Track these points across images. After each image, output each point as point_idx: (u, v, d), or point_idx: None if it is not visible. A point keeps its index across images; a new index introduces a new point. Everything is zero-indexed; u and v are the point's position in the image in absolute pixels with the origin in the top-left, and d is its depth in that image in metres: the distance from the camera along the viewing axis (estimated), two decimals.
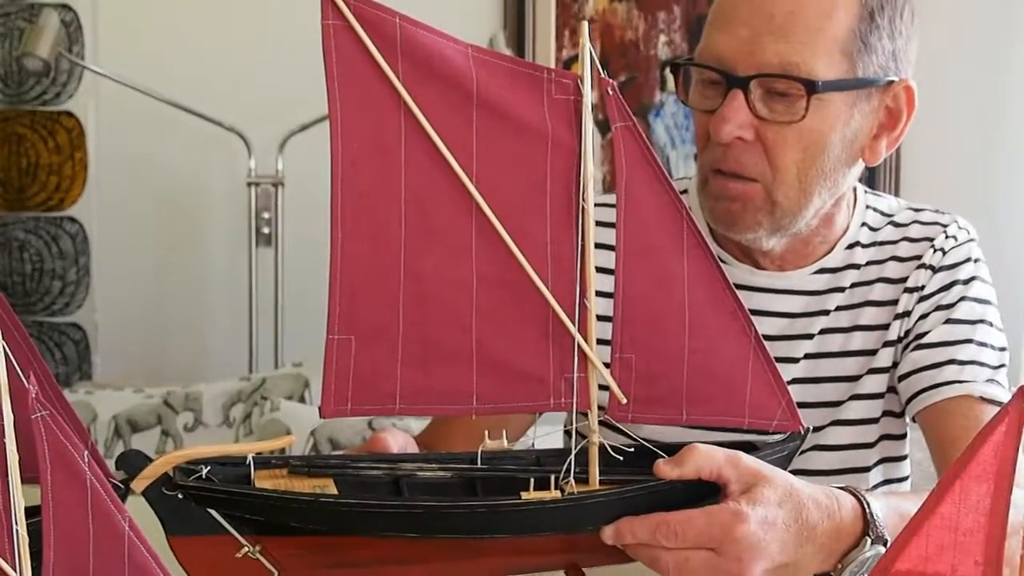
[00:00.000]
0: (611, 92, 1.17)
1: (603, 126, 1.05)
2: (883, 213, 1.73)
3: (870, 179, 3.08)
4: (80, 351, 3.65)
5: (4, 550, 0.90)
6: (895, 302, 1.67)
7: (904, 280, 1.67)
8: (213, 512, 1.14)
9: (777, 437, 1.30)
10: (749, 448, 1.27)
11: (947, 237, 1.68)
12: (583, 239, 1.17)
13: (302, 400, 3.05)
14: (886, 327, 1.67)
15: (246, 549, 1.16)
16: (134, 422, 3.04)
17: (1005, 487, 0.82)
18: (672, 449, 1.22)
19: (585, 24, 1.15)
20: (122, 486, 1.12)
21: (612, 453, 1.22)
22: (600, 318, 1.19)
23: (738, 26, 1.53)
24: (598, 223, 1.18)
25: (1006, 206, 3.19)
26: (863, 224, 1.71)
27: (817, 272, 1.69)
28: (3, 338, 0.88)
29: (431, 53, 1.12)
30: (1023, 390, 0.80)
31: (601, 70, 1.15)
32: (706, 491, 1.20)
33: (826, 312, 1.68)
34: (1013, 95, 3.21)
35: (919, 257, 1.68)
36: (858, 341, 1.67)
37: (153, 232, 3.62)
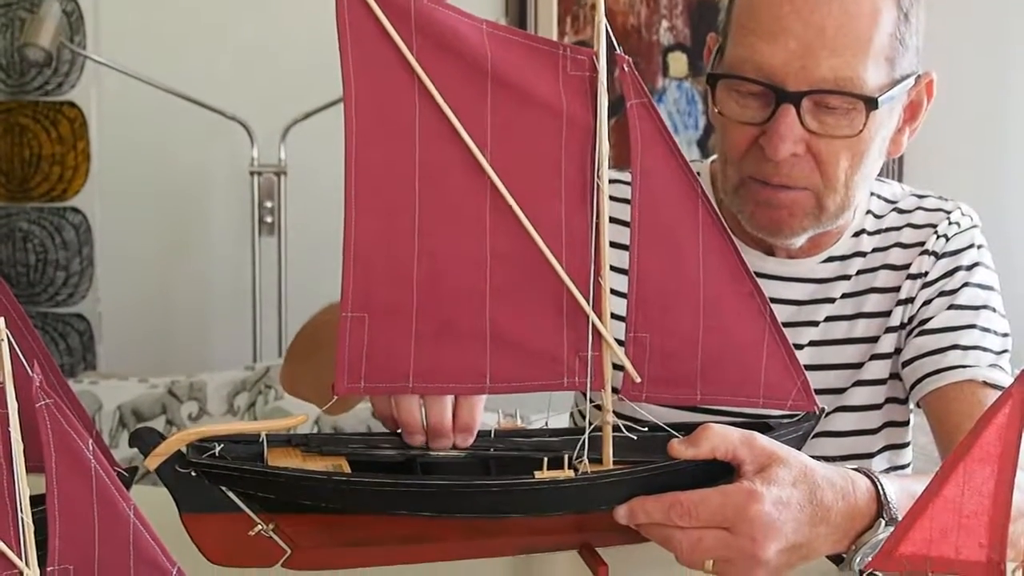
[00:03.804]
0: (627, 69, 1.16)
1: (614, 104, 1.04)
2: (887, 200, 1.73)
3: None
4: (84, 341, 3.65)
5: (10, 538, 0.90)
6: (898, 288, 1.67)
7: (907, 267, 1.67)
8: (226, 490, 1.14)
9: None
10: (764, 428, 1.26)
11: (950, 223, 1.68)
12: (597, 217, 1.16)
13: None
14: (888, 313, 1.67)
15: (259, 527, 1.16)
16: (139, 412, 3.04)
17: (1008, 469, 0.83)
18: (686, 429, 1.22)
19: (600, 1, 1.14)
20: (126, 473, 1.12)
21: (625, 432, 1.22)
22: (615, 292, 1.19)
23: (786, 38, 1.48)
24: (613, 198, 1.17)
25: (1009, 195, 3.19)
26: (868, 212, 1.71)
27: (825, 260, 1.69)
28: (7, 327, 0.88)
29: (446, 29, 1.12)
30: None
31: (616, 46, 1.14)
32: (720, 471, 1.20)
33: (831, 300, 1.68)
34: (1016, 85, 3.21)
35: (922, 243, 1.67)
36: (861, 328, 1.67)
37: (156, 221, 3.62)
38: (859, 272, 1.68)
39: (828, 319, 1.67)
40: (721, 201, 1.65)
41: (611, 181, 1.18)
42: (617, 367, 1.21)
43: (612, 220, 1.18)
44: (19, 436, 0.88)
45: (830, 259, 1.69)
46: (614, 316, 1.19)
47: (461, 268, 1.15)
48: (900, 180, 3.08)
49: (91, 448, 0.92)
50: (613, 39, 1.13)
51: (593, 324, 1.17)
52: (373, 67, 1.12)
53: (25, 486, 0.89)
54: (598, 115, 1.14)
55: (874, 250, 1.69)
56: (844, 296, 1.68)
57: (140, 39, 3.51)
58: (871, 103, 1.49)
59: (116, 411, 3.03)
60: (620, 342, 1.21)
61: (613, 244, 1.18)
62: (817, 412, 1.28)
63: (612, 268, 1.18)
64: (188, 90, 3.28)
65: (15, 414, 0.87)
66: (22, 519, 0.89)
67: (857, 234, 1.70)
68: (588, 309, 1.16)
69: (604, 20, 1.12)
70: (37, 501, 0.91)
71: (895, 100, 1.55)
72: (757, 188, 1.55)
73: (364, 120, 1.12)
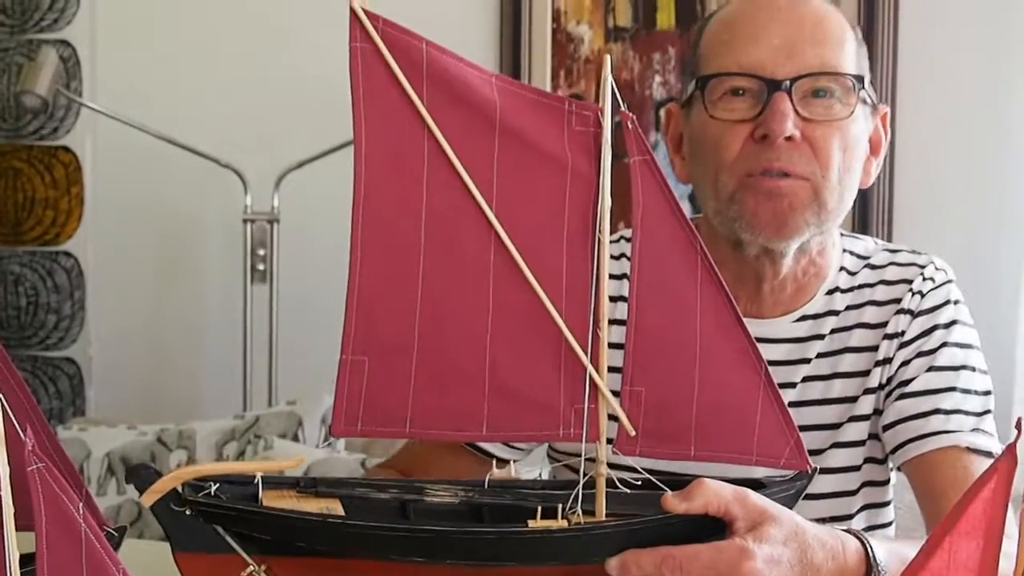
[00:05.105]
0: (630, 126, 1.17)
1: (615, 158, 1.07)
2: (859, 256, 1.72)
3: (863, 217, 3.08)
4: (74, 385, 3.65)
5: None
6: (875, 348, 1.66)
7: (884, 325, 1.66)
8: (219, 529, 1.14)
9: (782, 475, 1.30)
10: (757, 486, 1.26)
11: (924, 279, 1.67)
12: (598, 270, 1.17)
13: (296, 439, 3.04)
14: (866, 373, 1.65)
15: (251, 568, 1.16)
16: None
17: (994, 543, 0.83)
18: (679, 484, 1.22)
19: (608, 57, 1.16)
20: (115, 533, 1.12)
21: (620, 486, 1.22)
22: (612, 345, 1.20)
23: (769, 37, 1.55)
24: (613, 255, 1.18)
25: (1000, 241, 3.16)
26: (841, 268, 1.70)
27: (799, 319, 1.68)
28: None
29: (455, 79, 1.14)
30: (1011, 448, 0.81)
31: (621, 103, 1.15)
32: (712, 527, 1.20)
33: (807, 360, 1.66)
34: (1006, 132, 3.19)
35: (898, 301, 1.66)
36: (838, 388, 1.66)
37: (148, 267, 3.62)
38: (833, 331, 1.67)
39: (805, 379, 1.66)
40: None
41: (613, 241, 1.18)
42: (613, 418, 1.22)
43: (612, 276, 1.19)
44: (10, 501, 0.87)
45: (803, 318, 1.68)
46: (611, 368, 1.20)
47: (463, 315, 1.16)
48: (890, 229, 3.10)
49: (82, 512, 0.92)
50: (619, 96, 1.14)
51: (590, 376, 1.18)
52: (383, 114, 1.13)
53: (15, 549, 0.88)
54: (601, 170, 1.16)
55: (847, 308, 1.68)
56: (819, 356, 1.67)
57: (135, 86, 3.53)
58: (859, 79, 1.56)
59: (104, 458, 3.02)
60: (616, 393, 1.21)
61: (612, 298, 1.19)
62: (809, 471, 1.29)
63: (611, 321, 1.19)
64: (182, 137, 3.29)
65: (6, 478, 0.87)
66: None
67: (831, 292, 1.68)
68: (586, 361, 1.17)
69: (610, 77, 1.13)
70: (26, 560, 0.91)
71: (868, 109, 1.60)
72: (758, 181, 1.56)
73: (373, 166, 1.14)
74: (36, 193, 3.62)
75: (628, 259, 1.21)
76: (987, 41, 3.06)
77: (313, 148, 3.19)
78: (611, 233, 1.19)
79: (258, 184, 3.34)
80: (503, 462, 1.66)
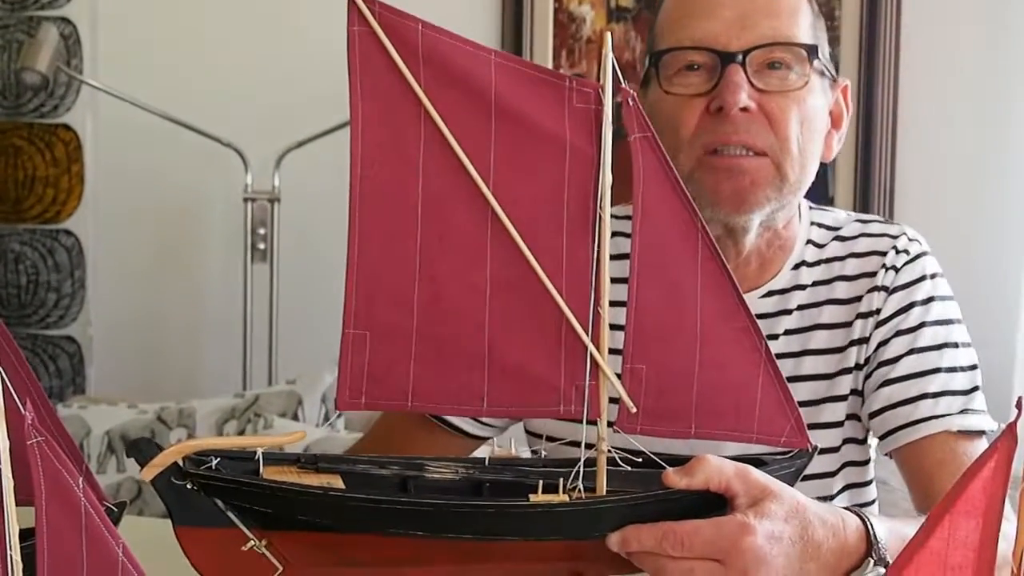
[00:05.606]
0: (631, 102, 1.17)
1: (615, 136, 1.06)
2: (828, 227, 1.70)
3: (864, 200, 3.08)
4: (74, 364, 3.65)
5: None
6: (848, 324, 1.63)
7: (856, 301, 1.64)
8: (219, 502, 1.14)
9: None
10: (757, 463, 1.27)
11: (898, 252, 1.65)
12: (599, 248, 1.17)
13: (295, 418, 3.05)
14: (840, 350, 1.63)
15: (252, 543, 1.16)
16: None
17: (993, 522, 0.83)
18: (679, 461, 1.23)
19: (608, 35, 1.15)
20: (115, 509, 1.12)
21: (621, 464, 1.22)
22: (613, 327, 1.19)
23: (723, 10, 1.55)
24: (615, 233, 1.18)
25: (1002, 223, 3.15)
26: (808, 241, 1.68)
27: (765, 295, 1.65)
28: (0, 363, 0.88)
29: (453, 60, 1.14)
30: (1011, 427, 0.81)
31: (622, 80, 1.15)
32: (713, 503, 1.20)
33: (775, 337, 1.63)
34: (1006, 115, 3.19)
35: (871, 275, 1.64)
36: (808, 366, 1.64)
37: (149, 246, 3.62)
38: (800, 307, 1.65)
39: (776, 356, 1.64)
40: None
41: (613, 217, 1.18)
42: (613, 400, 1.21)
43: (613, 256, 1.19)
44: (10, 473, 0.87)
45: (770, 293, 1.66)
46: (611, 351, 1.20)
47: (462, 294, 1.17)
48: (891, 208, 3.10)
49: (81, 486, 0.92)
50: (619, 73, 1.14)
51: (591, 354, 1.18)
52: (381, 96, 1.14)
53: (15, 524, 0.88)
54: (602, 148, 1.16)
55: (815, 283, 1.66)
56: (788, 332, 1.64)
57: (136, 64, 3.53)
58: (812, 50, 1.56)
59: (104, 436, 3.03)
60: (617, 375, 1.21)
61: (613, 279, 1.19)
62: (810, 449, 1.29)
63: (611, 303, 1.19)
64: (183, 116, 3.29)
65: (6, 451, 0.87)
66: (11, 556, 0.89)
67: (797, 266, 1.66)
68: (586, 339, 1.17)
69: (611, 54, 1.13)
70: (26, 534, 0.91)
71: (824, 88, 1.60)
72: (718, 159, 1.55)
73: (370, 147, 1.14)
74: (36, 171, 3.62)
75: (628, 237, 1.20)
76: (989, 27, 3.06)
77: (314, 127, 3.18)
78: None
79: (259, 163, 3.34)
80: (478, 439, 1.66)
